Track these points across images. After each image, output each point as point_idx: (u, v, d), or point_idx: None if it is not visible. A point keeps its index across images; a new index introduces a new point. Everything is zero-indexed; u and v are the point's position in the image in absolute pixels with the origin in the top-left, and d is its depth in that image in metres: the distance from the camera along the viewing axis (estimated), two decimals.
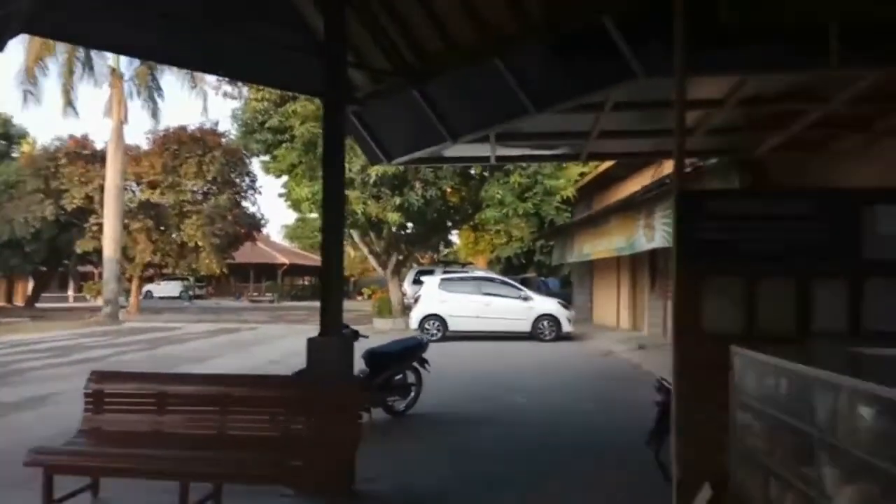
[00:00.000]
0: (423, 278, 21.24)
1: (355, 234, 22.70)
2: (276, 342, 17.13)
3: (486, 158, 9.17)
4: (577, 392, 10.07)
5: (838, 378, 2.63)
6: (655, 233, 12.55)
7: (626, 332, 18.89)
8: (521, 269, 31.53)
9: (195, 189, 28.46)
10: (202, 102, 48.48)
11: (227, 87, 22.01)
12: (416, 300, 18.89)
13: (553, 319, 17.95)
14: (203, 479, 4.46)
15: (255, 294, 47.42)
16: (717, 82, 5.98)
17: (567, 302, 20.47)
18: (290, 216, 52.82)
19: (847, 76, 5.55)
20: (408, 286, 24.27)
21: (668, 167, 12.10)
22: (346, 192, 19.02)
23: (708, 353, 4.03)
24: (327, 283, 5.33)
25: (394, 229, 22.00)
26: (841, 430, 2.62)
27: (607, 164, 17.15)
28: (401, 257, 23.62)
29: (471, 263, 31.29)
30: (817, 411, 2.76)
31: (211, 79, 23.74)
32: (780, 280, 4.09)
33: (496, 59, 6.08)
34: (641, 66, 5.02)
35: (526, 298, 18.28)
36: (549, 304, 18.51)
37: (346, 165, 18.20)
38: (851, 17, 4.75)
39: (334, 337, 5.25)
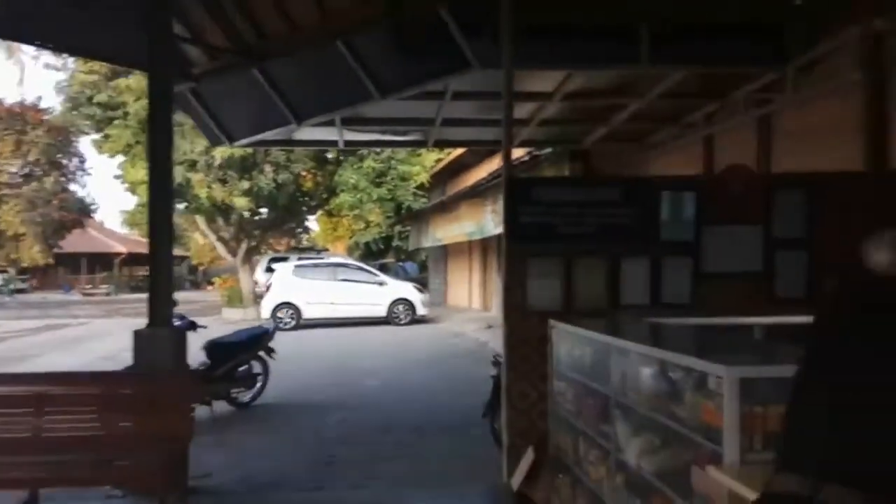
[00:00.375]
0: (275, 266, 20.63)
1: (201, 220, 21.52)
2: (110, 338, 15.80)
3: (335, 143, 9.11)
4: (428, 372, 10.38)
5: (626, 344, 2.98)
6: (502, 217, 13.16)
7: (477, 312, 19.66)
8: (380, 255, 31.57)
9: (14, 170, 25.51)
10: (19, 73, 43.33)
11: (50, 58, 19.92)
12: (269, 288, 18.33)
13: (408, 303, 18.24)
14: (15, 485, 4.10)
15: (89, 286, 43.28)
16: (546, 76, 6.40)
17: (423, 286, 20.87)
18: (130, 201, 48.74)
19: (657, 74, 6.18)
20: (260, 274, 23.42)
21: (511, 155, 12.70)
22: (189, 174, 18.01)
23: (532, 328, 4.37)
24: (155, 270, 5.05)
25: (246, 215, 21.12)
26: (629, 390, 2.97)
27: (459, 151, 17.63)
28: (252, 244, 22.76)
29: (327, 250, 30.84)
30: (612, 375, 3.11)
31: (29, 47, 21.26)
32: (594, 260, 4.50)
33: (340, 43, 6.04)
34: (476, 58, 5.25)
35: (381, 283, 18.39)
36: (404, 289, 18.77)
37: (189, 146, 17.32)
38: (659, 20, 5.29)
39: (164, 328, 5.00)
